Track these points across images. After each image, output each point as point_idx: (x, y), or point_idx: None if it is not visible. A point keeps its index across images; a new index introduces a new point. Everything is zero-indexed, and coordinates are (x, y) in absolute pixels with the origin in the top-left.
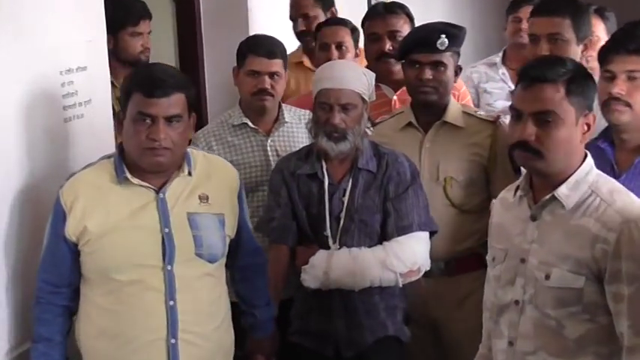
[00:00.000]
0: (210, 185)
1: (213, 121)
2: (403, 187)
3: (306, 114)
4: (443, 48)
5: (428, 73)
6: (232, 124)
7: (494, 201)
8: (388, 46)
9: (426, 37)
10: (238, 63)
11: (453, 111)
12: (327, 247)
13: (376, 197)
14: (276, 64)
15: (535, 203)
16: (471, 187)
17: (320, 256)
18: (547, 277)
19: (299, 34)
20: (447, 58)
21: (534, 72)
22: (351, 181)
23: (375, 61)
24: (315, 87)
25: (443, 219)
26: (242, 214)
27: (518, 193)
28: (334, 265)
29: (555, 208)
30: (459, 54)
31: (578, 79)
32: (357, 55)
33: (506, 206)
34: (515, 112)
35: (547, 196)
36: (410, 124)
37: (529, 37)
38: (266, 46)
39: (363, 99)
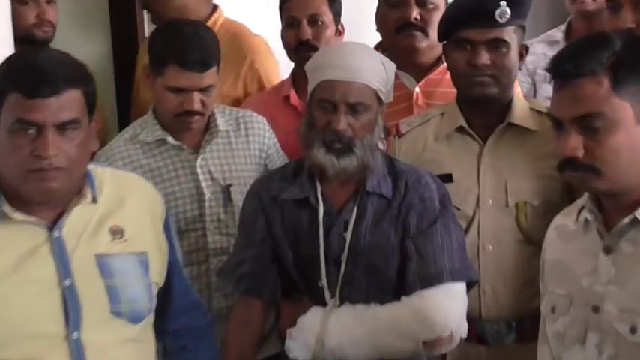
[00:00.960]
0: (124, 213)
1: (118, 138)
2: (429, 220)
3: (248, 116)
4: (504, 20)
5: (484, 57)
6: (145, 140)
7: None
8: (415, 13)
9: (480, 5)
10: (153, 66)
11: (520, 109)
12: (323, 303)
13: (392, 233)
14: (210, 75)
15: (608, 230)
16: (551, 214)
17: (312, 315)
18: (632, 329)
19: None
20: (510, 35)
21: (563, 65)
22: (356, 209)
23: (395, 33)
24: (313, 77)
25: (514, 260)
26: (172, 251)
27: (583, 216)
28: (332, 328)
29: (638, 235)
30: (524, 29)
31: (628, 61)
32: (339, 34)
33: (567, 236)
34: (555, 122)
35: (625, 220)
36: (460, 129)
37: (607, 3)
38: (197, 53)
39: (379, 98)
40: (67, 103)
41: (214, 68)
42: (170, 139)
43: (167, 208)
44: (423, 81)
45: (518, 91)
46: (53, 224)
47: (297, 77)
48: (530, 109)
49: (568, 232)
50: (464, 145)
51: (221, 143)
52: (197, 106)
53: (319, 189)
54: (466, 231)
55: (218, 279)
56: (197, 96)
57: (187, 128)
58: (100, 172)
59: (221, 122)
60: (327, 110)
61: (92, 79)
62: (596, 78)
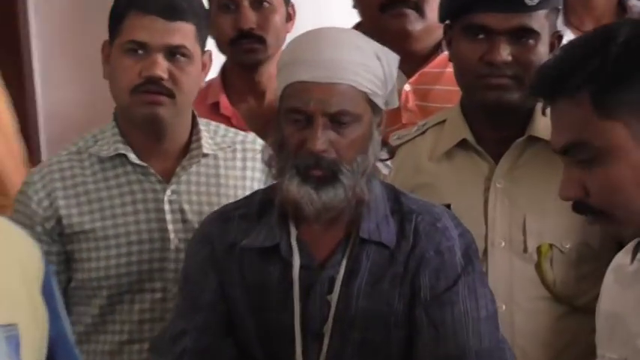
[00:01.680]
0: None
1: (63, 151)
2: (448, 280)
3: (250, 141)
4: (534, 2)
5: (504, 51)
6: (98, 155)
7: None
8: None
9: None
10: (111, 32)
11: (548, 115)
12: None
13: (395, 297)
14: (183, 32)
15: None
16: (588, 262)
17: None
18: None
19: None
20: (541, 21)
21: (539, 82)
22: (345, 263)
23: (379, 11)
24: (281, 78)
25: (535, 325)
26: (56, 323)
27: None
28: None
29: None
30: (558, 11)
31: (618, 66)
32: (289, 19)
33: (624, 280)
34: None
35: None
36: (464, 143)
37: None
38: None
39: (373, 105)
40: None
41: (191, 26)
42: (132, 157)
43: (114, 257)
44: (416, 76)
45: None
46: None
47: (230, 76)
48: None
49: (625, 275)
50: (468, 165)
51: (203, 173)
52: (161, 70)
53: (294, 233)
54: None
55: (149, 356)
56: (162, 60)
57: (151, 118)
58: None
59: (207, 143)
60: (299, 124)
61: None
62: (573, 98)
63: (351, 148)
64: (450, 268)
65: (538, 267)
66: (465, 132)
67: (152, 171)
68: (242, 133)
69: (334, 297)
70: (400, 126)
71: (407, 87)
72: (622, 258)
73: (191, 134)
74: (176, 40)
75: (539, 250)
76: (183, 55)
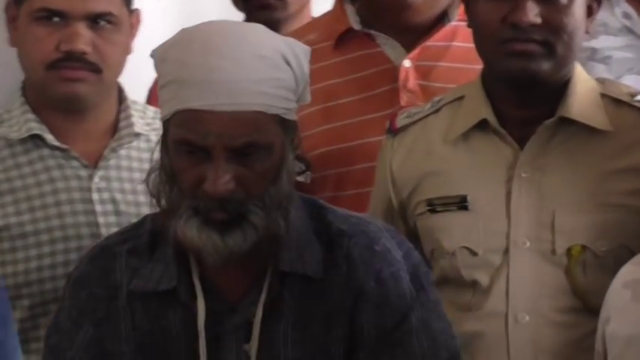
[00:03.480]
0: None
1: None
2: (396, 316)
3: None
4: None
5: (531, 11)
6: (7, 137)
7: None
8: None
9: None
10: None
11: (583, 95)
12: None
13: (331, 341)
14: None
15: None
16: None
17: None
18: None
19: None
20: None
21: None
22: (262, 302)
23: None
24: (166, 98)
25: (564, 340)
26: (5, 332)
27: None
28: None
29: None
30: None
31: None
32: None
33: None
34: None
35: None
36: (484, 124)
37: None
38: None
39: (283, 122)
40: None
41: None
42: (50, 137)
43: (37, 256)
44: (416, 50)
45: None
46: None
47: None
48: (602, 95)
49: None
50: (489, 149)
51: (136, 157)
52: (83, 43)
53: (196, 271)
54: (487, 290)
55: None
56: (84, 30)
57: (70, 97)
58: None
59: (138, 122)
60: (193, 157)
61: None
62: None
63: (260, 181)
64: (398, 300)
65: (568, 272)
66: (486, 111)
67: (74, 154)
68: None
69: (253, 347)
70: (398, 109)
71: (406, 63)
72: (635, 271)
73: (118, 112)
74: (100, 6)
75: (569, 252)
76: (109, 22)
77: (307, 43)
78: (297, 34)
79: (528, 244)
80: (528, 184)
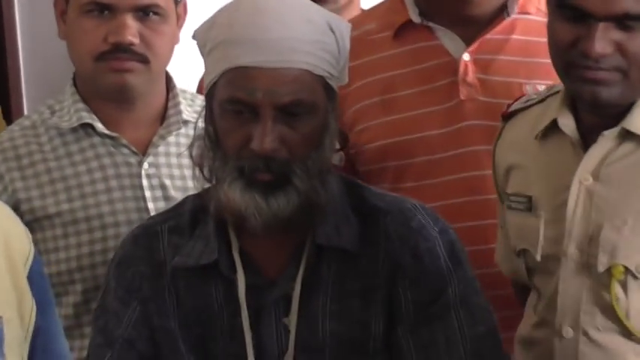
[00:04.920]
0: None
1: (12, 126)
2: (434, 291)
3: None
4: None
5: (603, 42)
6: (58, 127)
7: None
8: None
9: None
10: None
11: None
12: None
13: (370, 316)
14: None
15: None
16: None
17: None
18: None
19: None
20: None
21: None
22: (301, 276)
23: None
24: (214, 61)
25: (603, 356)
26: (44, 315)
27: None
28: None
29: None
30: None
31: None
32: None
33: None
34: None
35: None
36: (553, 127)
37: None
38: None
39: (328, 88)
40: None
41: None
42: (100, 126)
43: (89, 242)
44: (476, 44)
45: None
46: None
47: None
48: None
49: None
50: (560, 152)
51: (184, 143)
52: (131, 35)
53: (236, 245)
54: (542, 297)
55: None
56: (132, 21)
57: (120, 87)
58: None
59: (186, 110)
60: (241, 117)
61: None
62: None
63: (305, 143)
64: (435, 275)
65: (609, 292)
66: (561, 111)
67: (124, 142)
68: None
69: (292, 319)
70: (458, 103)
71: (466, 56)
72: None
73: (167, 100)
74: None
75: (610, 271)
76: (156, 13)
77: (366, 32)
78: (355, 23)
79: (576, 255)
80: (585, 193)
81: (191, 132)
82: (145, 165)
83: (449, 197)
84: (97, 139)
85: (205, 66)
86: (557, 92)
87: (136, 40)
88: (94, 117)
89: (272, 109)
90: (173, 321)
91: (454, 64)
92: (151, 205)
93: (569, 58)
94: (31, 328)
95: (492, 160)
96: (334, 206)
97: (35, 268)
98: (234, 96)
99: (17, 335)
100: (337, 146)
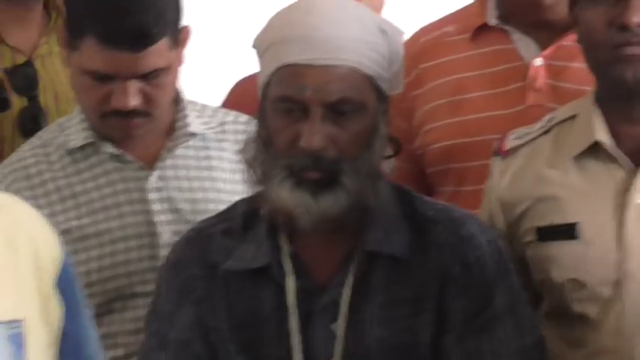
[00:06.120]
0: None
1: (24, 145)
2: (482, 300)
3: (242, 120)
4: None
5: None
6: (67, 146)
7: None
8: None
9: None
10: (69, 32)
11: None
12: None
13: (419, 324)
14: (156, 53)
15: None
16: None
17: None
18: None
19: None
20: None
21: None
22: (352, 282)
23: None
24: (267, 61)
25: None
26: (73, 321)
27: None
28: None
29: None
30: None
31: None
32: None
33: None
34: None
35: None
36: (594, 147)
37: None
38: (131, 19)
39: (378, 90)
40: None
41: (164, 41)
42: (106, 145)
43: (98, 257)
44: (551, 49)
45: None
46: None
47: None
48: None
49: None
50: (601, 173)
51: (192, 155)
52: (134, 101)
53: (287, 249)
54: (598, 325)
55: None
56: (134, 86)
57: (124, 134)
58: None
59: (195, 122)
60: (291, 116)
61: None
62: None
63: (354, 143)
64: (483, 284)
65: None
66: (599, 131)
67: (130, 158)
68: (233, 112)
69: (340, 326)
70: (525, 109)
71: (538, 61)
72: None
73: (175, 113)
74: (149, 65)
75: None
76: (158, 73)
77: (445, 34)
78: (436, 26)
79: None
80: None
81: (199, 144)
82: (153, 179)
83: None
84: (104, 156)
85: (260, 68)
86: (564, 120)
87: (137, 103)
88: (100, 136)
89: (321, 106)
90: (224, 322)
91: (525, 69)
92: (157, 219)
93: (608, 40)
94: (58, 333)
95: (494, 201)
96: (385, 213)
97: (65, 273)
98: (284, 94)
99: (42, 340)
100: (389, 153)
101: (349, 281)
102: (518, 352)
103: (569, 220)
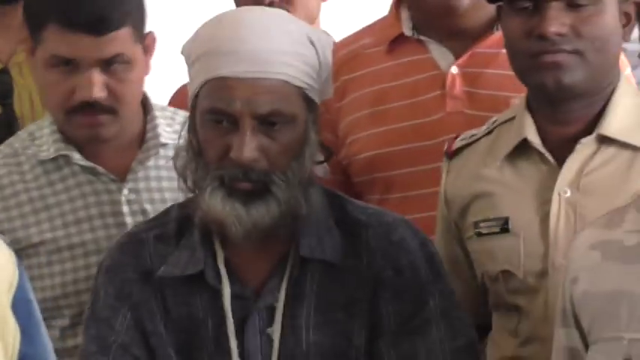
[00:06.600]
0: None
1: None
2: (415, 304)
3: None
4: None
5: (556, 21)
6: (37, 157)
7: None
8: None
9: None
10: (30, 30)
11: (629, 109)
12: None
13: (353, 327)
14: (118, 39)
15: None
16: None
17: None
18: None
19: None
20: None
21: None
22: (285, 287)
23: None
24: (196, 72)
25: None
26: (29, 342)
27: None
28: None
29: None
30: None
31: None
32: None
33: (624, 255)
34: None
35: None
36: (526, 144)
37: None
38: (91, 5)
39: (307, 100)
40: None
41: (126, 29)
42: (77, 157)
43: (72, 269)
44: (465, 57)
45: (628, 74)
46: None
47: None
48: None
49: (625, 250)
50: (530, 170)
51: (164, 166)
52: (98, 92)
53: (221, 255)
54: (528, 314)
55: None
56: (98, 77)
57: (92, 137)
58: None
59: (164, 131)
60: (221, 128)
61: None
62: None
63: (284, 154)
64: (415, 288)
65: None
66: (529, 131)
67: (102, 170)
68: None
69: (276, 330)
70: (445, 116)
71: (454, 69)
72: (603, 234)
73: (145, 122)
74: (111, 50)
75: None
76: (122, 62)
77: (361, 47)
78: (352, 39)
79: (564, 266)
80: (567, 205)
81: (170, 153)
82: (125, 191)
83: (433, 209)
84: (76, 167)
85: (189, 78)
86: (505, 122)
87: (102, 95)
88: (71, 147)
89: (251, 119)
90: (161, 327)
91: (443, 77)
92: None
93: (528, 48)
94: (15, 356)
95: (442, 200)
96: (317, 218)
97: (20, 294)
98: (214, 106)
99: None
100: (320, 158)
101: (283, 286)
102: (451, 354)
103: (502, 214)
